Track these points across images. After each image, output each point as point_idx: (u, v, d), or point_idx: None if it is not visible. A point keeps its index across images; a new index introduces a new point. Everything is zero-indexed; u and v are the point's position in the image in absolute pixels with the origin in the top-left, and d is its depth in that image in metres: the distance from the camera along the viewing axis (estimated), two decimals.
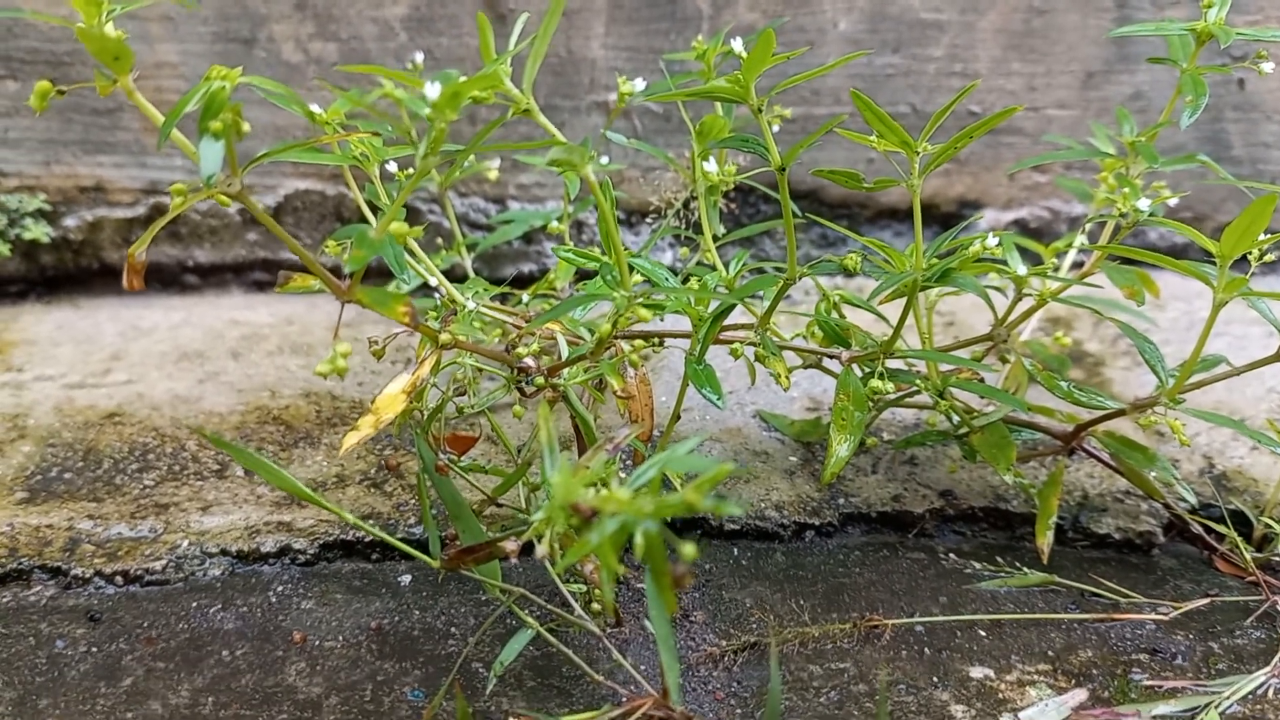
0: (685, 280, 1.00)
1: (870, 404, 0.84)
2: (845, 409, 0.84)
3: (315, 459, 0.97)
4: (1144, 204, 0.81)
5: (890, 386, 0.81)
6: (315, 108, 0.95)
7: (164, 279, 1.31)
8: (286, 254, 1.33)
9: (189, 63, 1.25)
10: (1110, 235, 0.94)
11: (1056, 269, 0.96)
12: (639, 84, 0.90)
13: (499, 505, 0.86)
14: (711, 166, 0.70)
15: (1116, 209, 0.87)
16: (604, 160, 1.08)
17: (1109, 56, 1.33)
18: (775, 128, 1.00)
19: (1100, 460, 0.91)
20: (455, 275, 1.32)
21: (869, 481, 0.96)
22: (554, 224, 1.11)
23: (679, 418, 0.84)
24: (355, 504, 0.90)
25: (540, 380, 0.76)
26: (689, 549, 0.45)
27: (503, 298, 1.34)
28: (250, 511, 0.89)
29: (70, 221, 1.27)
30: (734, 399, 1.09)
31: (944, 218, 1.39)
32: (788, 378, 0.79)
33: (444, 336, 0.72)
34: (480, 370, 0.88)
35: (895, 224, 1.40)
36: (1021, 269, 0.85)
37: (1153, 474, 0.87)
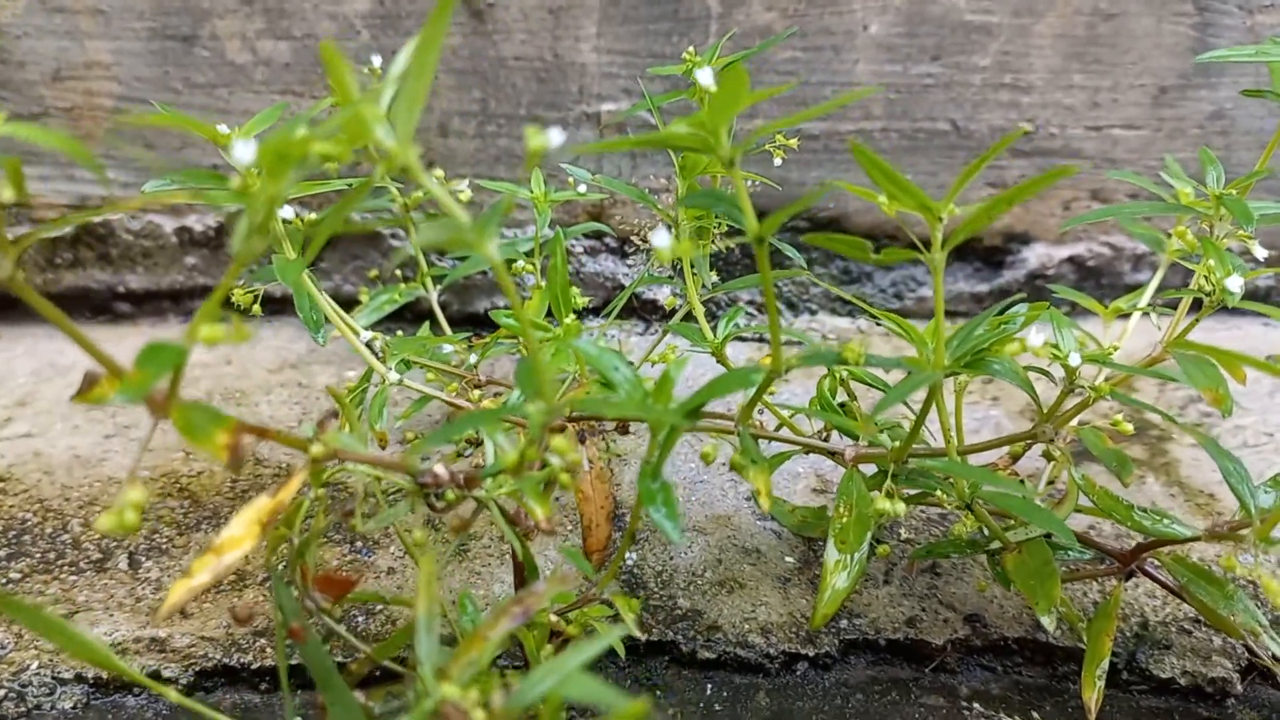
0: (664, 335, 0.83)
1: (876, 523, 0.67)
2: (846, 528, 0.67)
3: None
4: (1235, 285, 0.63)
5: (901, 509, 0.64)
6: (223, 128, 0.80)
7: (94, 306, 1.17)
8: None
9: (123, 63, 1.09)
10: (1188, 307, 0.76)
11: (1115, 350, 0.77)
12: (608, 105, 0.73)
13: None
14: (663, 241, 0.53)
15: (1198, 282, 0.69)
16: (582, 189, 0.92)
17: (1185, 69, 1.14)
18: (778, 161, 0.83)
19: (1165, 586, 0.74)
20: (420, 310, 1.16)
21: (880, 597, 0.79)
22: (519, 264, 0.94)
23: (634, 537, 0.68)
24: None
25: (451, 495, 0.60)
26: None
27: (476, 333, 1.18)
28: (122, 621, 0.74)
29: None
30: (726, 475, 0.93)
31: (987, 252, 1.20)
32: (769, 496, 0.62)
33: (315, 448, 0.55)
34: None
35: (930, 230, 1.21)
36: (1074, 356, 0.67)
37: (1231, 614, 0.69)
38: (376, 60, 1.00)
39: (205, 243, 1.15)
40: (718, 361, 0.82)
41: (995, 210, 0.56)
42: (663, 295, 1.18)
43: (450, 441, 0.82)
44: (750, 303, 1.20)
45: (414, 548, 0.59)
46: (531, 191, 0.94)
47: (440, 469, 0.60)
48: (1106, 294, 1.21)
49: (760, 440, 0.78)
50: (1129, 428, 0.79)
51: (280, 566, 0.73)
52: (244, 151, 0.41)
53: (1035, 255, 1.19)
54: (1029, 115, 1.15)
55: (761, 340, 1.17)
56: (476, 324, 1.19)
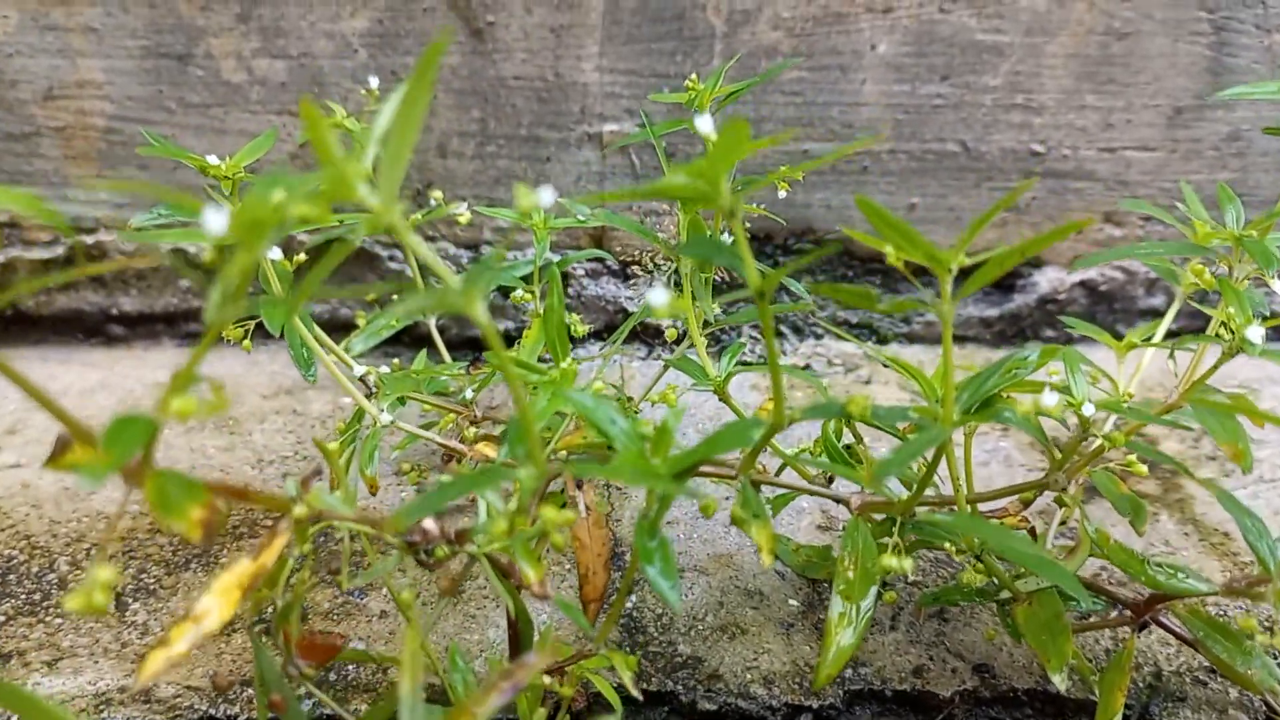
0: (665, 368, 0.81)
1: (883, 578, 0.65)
2: (850, 582, 0.65)
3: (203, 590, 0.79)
4: (1256, 336, 0.61)
5: (909, 566, 0.61)
6: (213, 158, 0.78)
7: (87, 329, 1.15)
8: None
9: (115, 81, 1.07)
10: (1198, 359, 0.73)
11: (1130, 398, 0.75)
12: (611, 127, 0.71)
13: None
14: (660, 300, 0.50)
15: (1215, 327, 0.67)
16: (582, 215, 0.89)
17: (1202, 89, 1.11)
18: (782, 194, 0.81)
19: (1180, 639, 0.71)
20: (418, 334, 1.14)
21: (886, 644, 0.77)
22: (518, 293, 0.92)
23: (631, 589, 0.66)
24: (236, 660, 0.72)
25: (442, 551, 0.58)
26: None
27: (475, 358, 1.16)
28: (106, 670, 0.72)
29: None
30: (728, 511, 0.90)
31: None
32: (771, 553, 0.60)
33: (298, 510, 0.53)
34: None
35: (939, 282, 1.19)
36: (1088, 406, 0.65)
37: (1248, 670, 0.67)
38: (374, 81, 0.98)
39: (200, 265, 1.13)
40: (720, 400, 0.80)
41: (1008, 262, 0.54)
42: (666, 320, 1.16)
43: (438, 508, 0.80)
44: (755, 326, 1.17)
45: (404, 608, 0.57)
46: (531, 218, 0.92)
47: (430, 524, 0.58)
48: (1119, 319, 1.18)
49: (763, 485, 0.75)
50: (1144, 469, 0.77)
51: (257, 627, 0.71)
52: (215, 222, 0.39)
53: (1047, 279, 1.16)
54: (1041, 137, 1.12)
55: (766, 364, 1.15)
56: (476, 347, 1.17)
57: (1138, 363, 0.85)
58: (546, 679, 0.60)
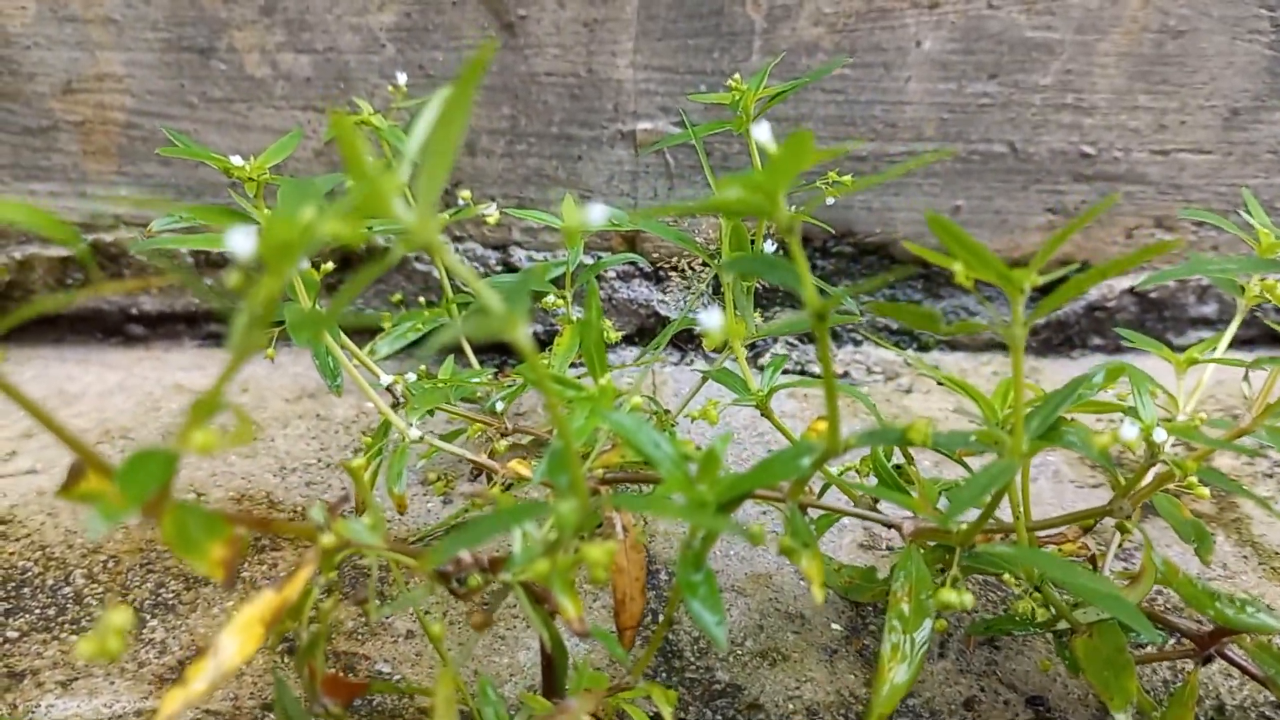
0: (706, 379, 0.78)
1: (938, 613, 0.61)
2: (904, 616, 0.61)
3: (222, 614, 0.76)
4: None
5: (969, 601, 0.58)
6: (237, 159, 0.75)
7: (106, 328, 1.12)
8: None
9: (136, 75, 1.04)
10: (1273, 379, 0.69)
11: (1202, 421, 0.71)
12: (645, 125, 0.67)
13: None
14: (714, 322, 0.47)
15: None
16: (597, 214, 0.86)
17: (1260, 90, 1.07)
18: (830, 200, 0.77)
19: (1249, 674, 0.67)
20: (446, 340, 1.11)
21: (935, 673, 0.73)
22: (550, 299, 0.88)
23: (671, 622, 0.62)
24: (258, 683, 0.69)
25: (475, 580, 0.55)
26: None
27: (504, 362, 1.13)
28: (123, 690, 0.69)
29: None
30: (768, 521, 0.87)
31: (1044, 283, 1.13)
32: (822, 587, 0.56)
33: (326, 539, 0.50)
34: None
35: (985, 286, 1.15)
36: (1160, 432, 0.61)
37: None
38: (402, 78, 0.94)
39: (222, 264, 1.10)
40: (762, 415, 0.77)
41: (1086, 284, 0.50)
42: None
43: (474, 544, 0.77)
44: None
45: (435, 642, 0.54)
46: (563, 221, 0.88)
47: (465, 554, 0.55)
48: (1170, 328, 1.14)
49: (807, 507, 0.72)
50: (1205, 492, 0.73)
51: (283, 657, 0.68)
52: (242, 243, 0.36)
53: (1095, 286, 1.12)
54: (1091, 138, 1.08)
55: (803, 372, 1.11)
56: (504, 351, 1.13)
57: (1199, 379, 0.81)
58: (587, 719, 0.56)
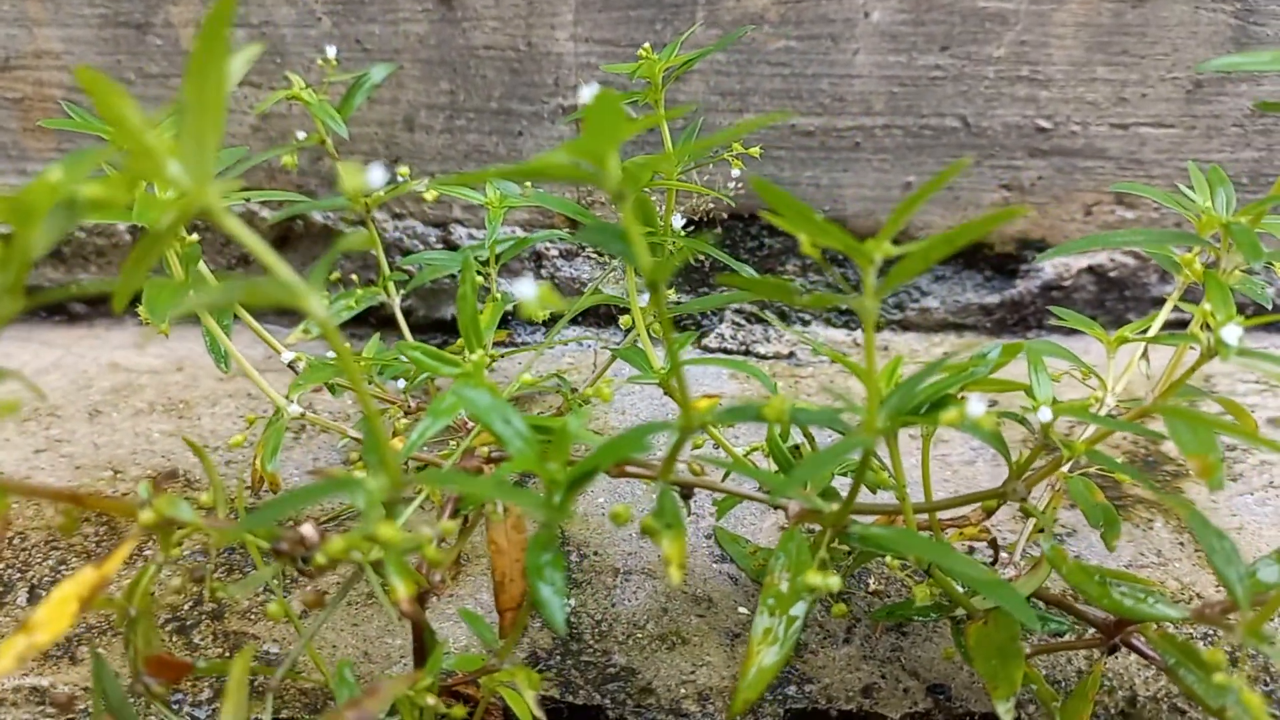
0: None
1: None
2: (780, 596, 0.59)
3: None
4: (1232, 336, 0.54)
5: (835, 583, 0.56)
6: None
7: (49, 306, 1.12)
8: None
9: (74, 51, 1.04)
10: (1177, 358, 0.66)
11: (1096, 402, 0.68)
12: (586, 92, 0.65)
13: None
14: (528, 291, 0.45)
15: (1196, 326, 0.60)
16: (514, 193, 0.84)
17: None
18: (736, 172, 0.75)
19: (1152, 662, 0.65)
20: (384, 316, 1.10)
21: (837, 659, 0.71)
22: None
23: (531, 607, 0.60)
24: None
25: (321, 558, 0.53)
26: None
27: (444, 341, 1.12)
28: None
29: None
30: (692, 501, 0.85)
31: (999, 260, 1.10)
32: (680, 567, 0.54)
33: (145, 514, 0.49)
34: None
35: (937, 266, 1.12)
36: (1045, 411, 0.58)
37: (1221, 706, 0.60)
38: (331, 51, 0.93)
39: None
40: (666, 394, 0.75)
41: (933, 253, 0.47)
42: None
43: (285, 515, 0.75)
44: (739, 311, 1.11)
45: (273, 618, 0.53)
46: (485, 196, 0.87)
47: (308, 530, 0.54)
48: (1131, 308, 1.11)
49: (700, 488, 0.70)
50: (1126, 476, 0.70)
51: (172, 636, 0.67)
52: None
53: (1052, 264, 1.09)
54: (1048, 111, 1.05)
55: (748, 352, 1.09)
56: (445, 330, 1.12)
57: (1130, 359, 0.78)
58: (430, 700, 0.55)
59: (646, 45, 0.76)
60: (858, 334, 1.11)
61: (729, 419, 0.55)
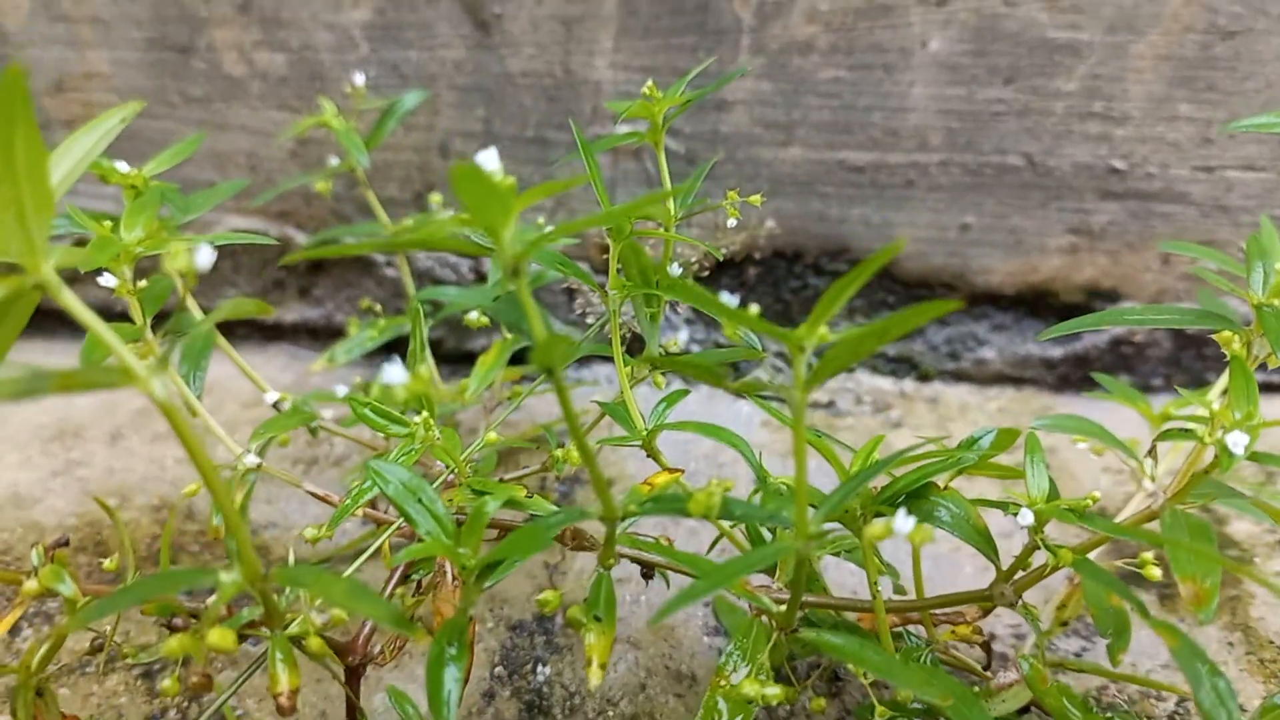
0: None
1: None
2: (727, 696, 0.54)
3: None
4: (1237, 445, 0.47)
5: (773, 693, 0.50)
6: (122, 165, 0.73)
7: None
8: (233, 292, 1.13)
9: (121, 74, 1.05)
10: (1192, 460, 0.58)
11: (1093, 503, 0.61)
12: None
13: None
14: (395, 376, 0.41)
15: (1205, 431, 0.52)
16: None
17: None
18: (732, 222, 0.70)
19: None
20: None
21: None
22: (472, 315, 0.84)
23: (466, 680, 0.57)
24: (102, 705, 0.67)
25: (164, 651, 0.50)
26: None
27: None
28: None
29: None
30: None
31: (1064, 310, 1.02)
32: (600, 669, 0.50)
33: (28, 584, 0.47)
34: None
35: (996, 313, 1.04)
36: (1026, 514, 0.52)
37: None
38: (359, 79, 0.92)
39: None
40: (649, 456, 0.70)
41: (863, 347, 0.42)
42: (683, 338, 1.05)
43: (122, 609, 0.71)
44: (779, 355, 1.05)
45: (176, 693, 0.50)
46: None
47: (178, 622, 0.51)
48: (1210, 368, 1.01)
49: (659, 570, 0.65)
50: (1156, 573, 0.63)
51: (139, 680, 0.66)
52: None
53: None
54: (1122, 151, 0.96)
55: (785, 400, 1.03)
56: (473, 361, 1.09)
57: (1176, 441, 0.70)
58: None
59: (650, 84, 0.72)
60: (905, 383, 1.04)
61: (653, 510, 0.50)
